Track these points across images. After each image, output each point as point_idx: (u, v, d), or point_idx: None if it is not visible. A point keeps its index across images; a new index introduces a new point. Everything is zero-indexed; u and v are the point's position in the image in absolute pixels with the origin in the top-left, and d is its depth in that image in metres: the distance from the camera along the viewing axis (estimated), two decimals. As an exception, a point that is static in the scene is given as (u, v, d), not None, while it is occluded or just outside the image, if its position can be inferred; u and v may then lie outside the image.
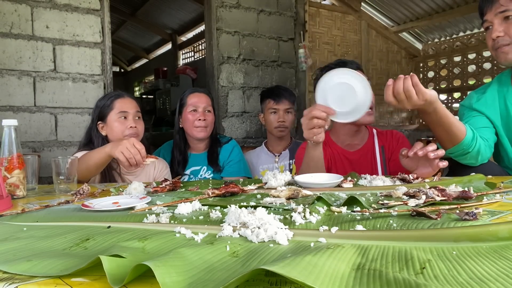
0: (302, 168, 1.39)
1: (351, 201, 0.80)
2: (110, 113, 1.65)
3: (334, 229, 0.60)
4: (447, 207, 0.75)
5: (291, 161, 2.30)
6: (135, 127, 1.65)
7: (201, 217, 0.76)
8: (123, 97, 1.70)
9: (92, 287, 0.45)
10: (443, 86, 4.76)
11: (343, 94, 1.19)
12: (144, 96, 7.04)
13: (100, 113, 1.68)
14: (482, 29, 4.39)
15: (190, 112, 1.93)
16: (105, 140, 1.67)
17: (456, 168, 1.35)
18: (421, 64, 4.98)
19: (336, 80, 1.19)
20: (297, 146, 2.07)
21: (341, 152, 1.64)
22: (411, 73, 1.13)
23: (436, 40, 4.88)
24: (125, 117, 1.65)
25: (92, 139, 1.68)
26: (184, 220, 0.74)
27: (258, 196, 0.96)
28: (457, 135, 1.22)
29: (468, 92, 1.31)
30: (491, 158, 1.45)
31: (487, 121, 1.41)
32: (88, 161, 1.41)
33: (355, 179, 1.16)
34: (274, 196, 0.90)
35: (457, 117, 1.28)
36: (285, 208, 0.80)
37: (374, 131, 1.68)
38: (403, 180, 1.10)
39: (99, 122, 1.68)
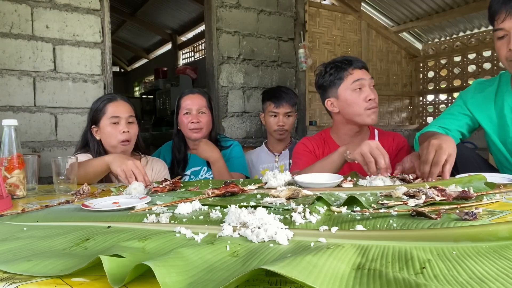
0: (314, 169, 1.36)
1: (351, 201, 0.80)
2: (103, 117, 1.64)
3: (334, 229, 0.60)
4: (447, 207, 0.75)
5: (291, 160, 2.31)
6: (128, 131, 1.63)
7: (201, 217, 0.76)
8: (116, 101, 1.67)
9: (92, 287, 0.45)
10: (443, 86, 4.76)
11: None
12: (144, 96, 7.05)
13: (94, 117, 1.66)
14: (482, 29, 4.40)
15: (184, 115, 1.93)
16: (99, 144, 1.66)
17: None
18: (421, 64, 4.98)
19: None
20: (297, 146, 2.07)
21: None
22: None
23: (436, 40, 4.88)
24: (117, 122, 1.63)
25: (88, 142, 1.68)
26: (184, 220, 0.74)
27: (258, 196, 0.96)
28: None
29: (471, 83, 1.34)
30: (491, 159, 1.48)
31: (466, 125, 1.43)
32: (87, 168, 1.42)
33: (355, 179, 1.16)
34: (274, 196, 0.90)
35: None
36: (285, 208, 0.80)
37: (376, 131, 1.67)
38: (403, 180, 1.10)
39: (93, 126, 1.67)
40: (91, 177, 1.42)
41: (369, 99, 1.52)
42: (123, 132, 1.62)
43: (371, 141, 1.20)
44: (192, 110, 1.93)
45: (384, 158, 1.16)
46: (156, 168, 1.77)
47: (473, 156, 1.40)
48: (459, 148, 1.39)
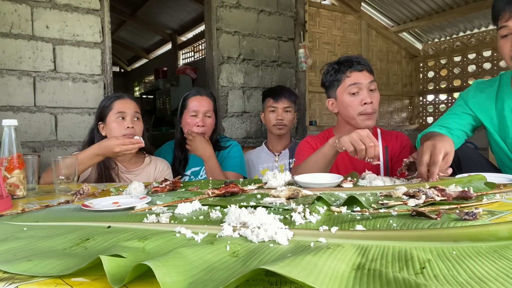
0: (308, 163, 1.36)
1: (351, 201, 0.80)
2: (109, 113, 1.66)
3: (334, 229, 0.60)
4: (447, 207, 0.75)
5: (291, 160, 2.31)
6: (132, 127, 1.65)
7: (201, 217, 0.76)
8: (123, 98, 1.71)
9: (93, 287, 0.45)
10: (443, 86, 4.76)
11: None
12: (144, 96, 7.04)
13: (101, 114, 1.70)
14: (482, 29, 4.39)
15: (190, 117, 1.93)
16: None
17: None
18: (421, 64, 4.98)
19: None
20: (296, 146, 2.07)
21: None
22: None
23: (436, 40, 4.88)
24: (123, 118, 1.66)
25: (94, 139, 1.69)
26: (184, 220, 0.74)
27: (258, 196, 0.96)
28: None
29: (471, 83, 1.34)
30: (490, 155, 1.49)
31: (469, 124, 1.43)
32: (85, 164, 1.51)
33: (355, 179, 1.16)
34: (274, 196, 0.90)
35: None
36: (285, 208, 0.80)
37: (379, 131, 1.67)
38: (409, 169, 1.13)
39: (99, 123, 1.70)
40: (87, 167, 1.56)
41: (364, 103, 1.51)
42: (128, 127, 1.64)
43: (361, 129, 1.19)
44: (198, 113, 1.92)
45: (375, 147, 1.15)
46: (159, 167, 1.78)
47: (477, 157, 1.40)
48: (463, 148, 1.39)
